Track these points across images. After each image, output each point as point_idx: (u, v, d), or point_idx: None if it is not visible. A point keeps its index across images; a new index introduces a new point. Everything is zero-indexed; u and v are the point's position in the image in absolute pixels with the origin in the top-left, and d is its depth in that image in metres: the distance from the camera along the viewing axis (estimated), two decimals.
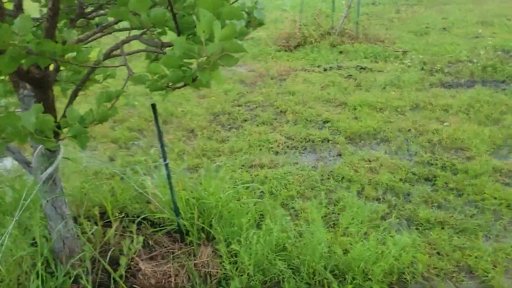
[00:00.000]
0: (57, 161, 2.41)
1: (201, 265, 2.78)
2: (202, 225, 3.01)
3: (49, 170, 2.38)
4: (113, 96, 1.79)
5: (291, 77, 8.08)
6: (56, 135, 1.79)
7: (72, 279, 2.41)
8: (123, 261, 2.53)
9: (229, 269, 2.66)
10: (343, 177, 4.14)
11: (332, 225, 3.32)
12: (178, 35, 1.85)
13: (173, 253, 2.97)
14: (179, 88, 1.51)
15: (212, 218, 3.06)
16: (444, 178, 4.06)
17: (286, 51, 10.24)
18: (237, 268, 2.71)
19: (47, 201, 2.61)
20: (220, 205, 3.07)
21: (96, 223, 3.09)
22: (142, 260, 2.87)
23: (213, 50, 1.27)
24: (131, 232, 3.07)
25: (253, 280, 2.63)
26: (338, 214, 3.47)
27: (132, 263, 2.85)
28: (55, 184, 2.60)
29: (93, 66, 2.07)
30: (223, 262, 2.71)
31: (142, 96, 7.05)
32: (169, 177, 2.91)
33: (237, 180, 3.94)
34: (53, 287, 2.30)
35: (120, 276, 2.53)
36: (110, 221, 3.17)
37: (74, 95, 2.12)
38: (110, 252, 2.77)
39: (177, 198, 3.13)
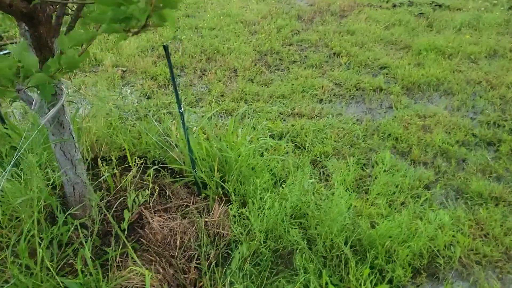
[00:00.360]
0: (59, 104, 2.23)
1: (212, 224, 2.60)
2: (218, 181, 2.79)
3: (50, 113, 2.22)
4: (82, 39, 1.51)
5: (353, 14, 7.33)
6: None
7: (72, 228, 2.33)
8: (126, 215, 2.40)
9: (237, 232, 2.46)
10: (389, 134, 3.69)
11: (365, 192, 2.97)
12: None
13: (187, 206, 2.82)
14: (136, 33, 1.19)
15: (232, 173, 2.83)
16: (510, 144, 3.47)
17: None
18: (248, 232, 2.49)
19: (55, 145, 2.51)
20: (240, 159, 2.82)
21: (114, 168, 3.00)
22: (154, 211, 2.75)
23: None
24: (148, 180, 2.95)
25: (263, 247, 2.41)
26: (375, 178, 3.09)
27: (144, 213, 2.74)
28: (62, 128, 2.47)
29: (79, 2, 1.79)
30: (233, 224, 2.50)
31: (190, 30, 6.75)
32: (184, 126, 2.68)
33: (269, 130, 3.64)
34: (50, 236, 2.23)
35: (123, 230, 2.42)
36: (130, 166, 3.07)
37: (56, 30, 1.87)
38: (119, 200, 2.67)
39: (196, 148, 2.92)
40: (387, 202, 2.79)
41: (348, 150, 3.48)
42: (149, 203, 2.82)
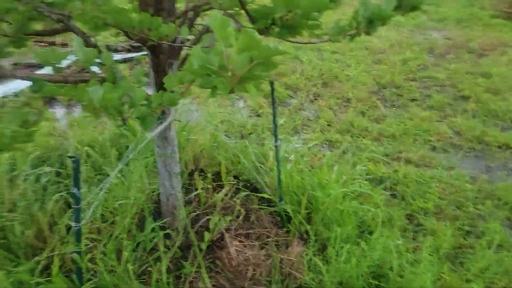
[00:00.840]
0: (165, 123, 2.42)
1: (287, 263, 2.57)
2: (302, 219, 2.75)
3: (157, 130, 2.41)
4: (185, 80, 1.61)
5: (494, 54, 6.67)
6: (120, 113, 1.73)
7: (158, 237, 2.49)
8: (206, 236, 2.50)
9: (308, 280, 2.39)
10: (506, 203, 3.26)
11: (460, 265, 2.67)
12: (253, 23, 1.54)
13: (268, 236, 2.83)
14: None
15: (318, 213, 2.77)
16: None
17: (506, 18, 8.44)
18: (320, 281, 2.41)
19: (159, 157, 2.71)
20: (328, 201, 2.74)
21: (209, 183, 3.14)
22: (236, 234, 2.82)
23: (236, 63, 0.96)
24: (234, 201, 3.03)
25: None
26: (478, 252, 2.76)
27: (228, 235, 2.82)
28: (167, 142, 2.67)
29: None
30: (307, 268, 2.44)
31: (313, 51, 6.79)
32: (277, 159, 2.70)
33: (368, 173, 3.48)
34: (137, 241, 2.42)
35: (200, 250, 2.52)
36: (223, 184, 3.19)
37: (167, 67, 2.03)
38: (206, 217, 2.79)
39: (288, 180, 2.92)
40: (484, 283, 2.47)
41: (453, 211, 3.16)
42: (233, 225, 2.90)
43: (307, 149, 3.70)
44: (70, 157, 2.10)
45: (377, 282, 2.40)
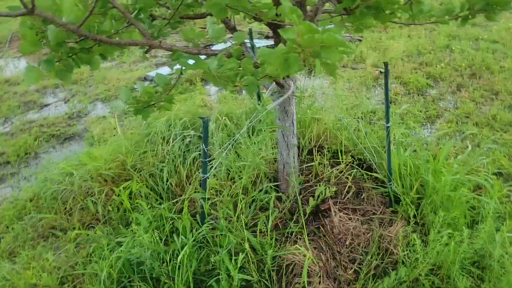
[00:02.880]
0: (283, 98, 2.73)
1: (386, 239, 2.66)
2: (409, 203, 2.79)
3: (274, 103, 2.74)
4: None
5: None
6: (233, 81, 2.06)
7: (269, 198, 2.82)
8: (311, 202, 2.74)
9: (402, 255, 2.45)
10: None
11: None
12: (338, 3, 1.71)
13: (374, 213, 2.94)
14: None
15: (429, 199, 2.77)
16: None
17: None
18: (416, 260, 2.45)
19: (279, 129, 3.04)
20: (440, 187, 2.72)
21: (326, 159, 3.36)
22: (344, 207, 2.99)
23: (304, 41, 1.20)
24: (347, 178, 3.20)
25: (425, 280, 2.35)
26: None
27: (335, 206, 3.02)
28: (287, 116, 2.98)
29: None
30: (404, 248, 2.51)
31: (469, 40, 6.31)
32: (388, 141, 2.78)
33: (499, 167, 3.25)
34: (252, 198, 2.80)
35: (308, 213, 2.78)
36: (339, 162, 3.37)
37: None
38: (310, 189, 3.03)
39: (399, 164, 2.97)
40: None
41: None
42: (343, 199, 3.08)
43: (434, 138, 3.62)
44: (201, 117, 2.57)
45: (479, 272, 2.34)
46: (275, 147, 3.44)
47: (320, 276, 2.49)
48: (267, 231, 2.70)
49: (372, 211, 2.97)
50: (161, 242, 2.59)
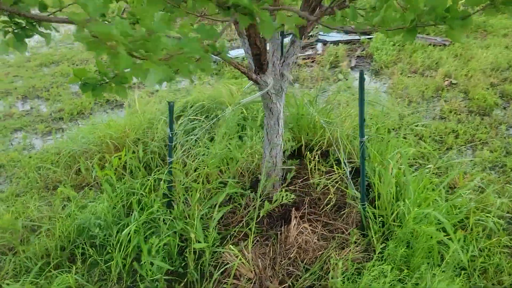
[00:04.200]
0: (257, 94, 2.63)
1: (333, 262, 2.43)
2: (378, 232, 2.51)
3: (247, 99, 2.66)
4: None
5: None
6: None
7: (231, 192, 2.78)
8: (266, 206, 2.63)
9: (338, 283, 2.24)
10: None
11: None
12: None
13: (343, 232, 2.70)
14: None
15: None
16: None
17: None
18: None
19: (265, 125, 2.95)
20: (406, 221, 2.40)
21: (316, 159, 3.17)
22: (316, 220, 2.81)
23: None
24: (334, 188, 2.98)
25: None
26: None
27: (311, 217, 2.85)
28: (271, 113, 2.86)
29: None
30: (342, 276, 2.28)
31: None
32: (361, 156, 2.51)
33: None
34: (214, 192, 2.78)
35: (260, 216, 2.68)
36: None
37: None
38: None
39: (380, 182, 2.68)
40: None
41: None
42: (320, 210, 2.89)
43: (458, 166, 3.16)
44: (168, 102, 2.61)
45: None
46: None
47: (252, 283, 2.40)
48: (218, 226, 2.68)
49: (342, 229, 2.74)
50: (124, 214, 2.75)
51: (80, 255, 2.60)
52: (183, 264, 2.56)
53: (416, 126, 3.98)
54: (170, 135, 2.65)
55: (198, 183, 2.80)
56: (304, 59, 6.28)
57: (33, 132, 4.49)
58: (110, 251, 2.55)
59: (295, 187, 3.10)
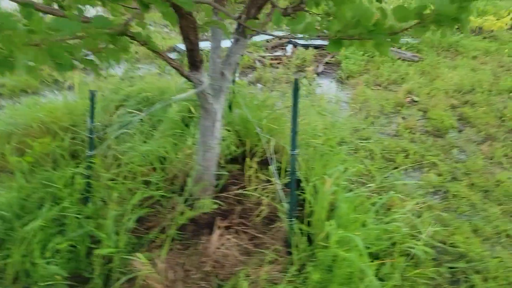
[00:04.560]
0: (189, 93, 2.45)
1: (249, 278, 2.27)
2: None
3: (179, 96, 2.47)
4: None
5: None
6: None
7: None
8: (187, 213, 2.45)
9: None
10: None
11: None
12: None
13: (268, 247, 2.54)
14: None
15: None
16: None
17: None
18: None
19: (201, 125, 2.76)
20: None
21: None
22: (243, 231, 2.65)
23: None
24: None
25: None
26: None
27: (241, 227, 2.69)
28: (207, 114, 2.67)
29: None
30: None
31: None
32: (292, 168, 2.35)
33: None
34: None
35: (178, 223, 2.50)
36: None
37: None
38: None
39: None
40: None
41: None
42: (249, 221, 2.72)
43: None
44: (90, 91, 2.39)
45: None
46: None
47: None
48: (137, 229, 2.49)
49: (268, 244, 2.57)
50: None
51: None
52: (90, 268, 2.35)
53: (368, 141, 3.87)
54: (90, 127, 2.43)
55: (119, 182, 2.59)
56: (272, 59, 6.12)
57: None
58: (8, 247, 2.32)
59: (229, 194, 2.93)
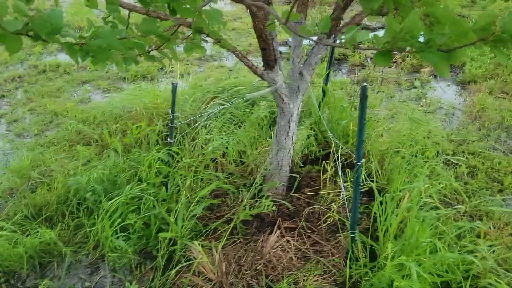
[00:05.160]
0: (263, 91, 2.45)
1: (298, 285, 2.22)
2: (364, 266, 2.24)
3: (254, 94, 2.49)
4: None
5: None
6: None
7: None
8: (241, 213, 2.47)
9: None
10: None
11: None
12: None
13: (328, 256, 2.45)
14: None
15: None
16: None
17: None
18: None
19: (277, 125, 2.76)
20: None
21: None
22: (307, 235, 2.60)
23: None
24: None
25: None
26: None
27: (304, 231, 2.65)
28: (283, 114, 2.66)
29: None
30: None
31: None
32: (356, 183, 2.22)
33: None
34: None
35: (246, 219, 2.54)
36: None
37: None
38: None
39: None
40: None
41: None
42: (317, 226, 2.66)
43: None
44: (172, 83, 2.55)
45: None
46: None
47: (212, 285, 2.31)
48: (207, 217, 2.62)
49: (329, 253, 2.49)
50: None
51: (69, 214, 2.73)
52: (157, 247, 2.55)
53: (474, 156, 3.44)
54: (172, 117, 2.61)
55: (194, 170, 2.75)
56: None
57: (96, 87, 4.80)
58: (95, 217, 2.64)
59: (301, 195, 2.89)
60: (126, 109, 3.72)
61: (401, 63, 5.60)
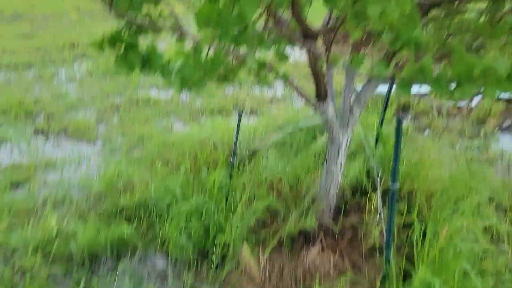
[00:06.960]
0: (313, 121, 2.82)
1: None
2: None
3: (302, 123, 2.86)
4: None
5: None
6: None
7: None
8: (286, 230, 2.78)
9: None
10: None
11: None
12: None
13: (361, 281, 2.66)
14: None
15: None
16: None
17: None
18: None
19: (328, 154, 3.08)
20: None
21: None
22: (349, 254, 2.83)
23: None
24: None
25: None
26: None
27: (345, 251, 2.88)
28: (332, 143, 2.98)
29: None
30: None
31: None
32: (391, 208, 2.45)
33: None
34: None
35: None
36: None
37: None
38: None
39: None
40: None
41: None
42: (358, 247, 2.88)
43: None
44: (238, 112, 3.01)
45: None
46: None
47: (256, 285, 2.63)
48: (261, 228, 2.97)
49: (365, 274, 2.69)
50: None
51: (144, 215, 3.23)
52: (213, 248, 2.93)
53: None
54: (235, 142, 3.05)
55: (250, 188, 3.14)
56: (450, 107, 5.87)
57: (178, 118, 5.48)
58: (165, 220, 3.10)
59: (346, 220, 3.13)
60: (201, 136, 4.27)
61: (466, 114, 5.66)
